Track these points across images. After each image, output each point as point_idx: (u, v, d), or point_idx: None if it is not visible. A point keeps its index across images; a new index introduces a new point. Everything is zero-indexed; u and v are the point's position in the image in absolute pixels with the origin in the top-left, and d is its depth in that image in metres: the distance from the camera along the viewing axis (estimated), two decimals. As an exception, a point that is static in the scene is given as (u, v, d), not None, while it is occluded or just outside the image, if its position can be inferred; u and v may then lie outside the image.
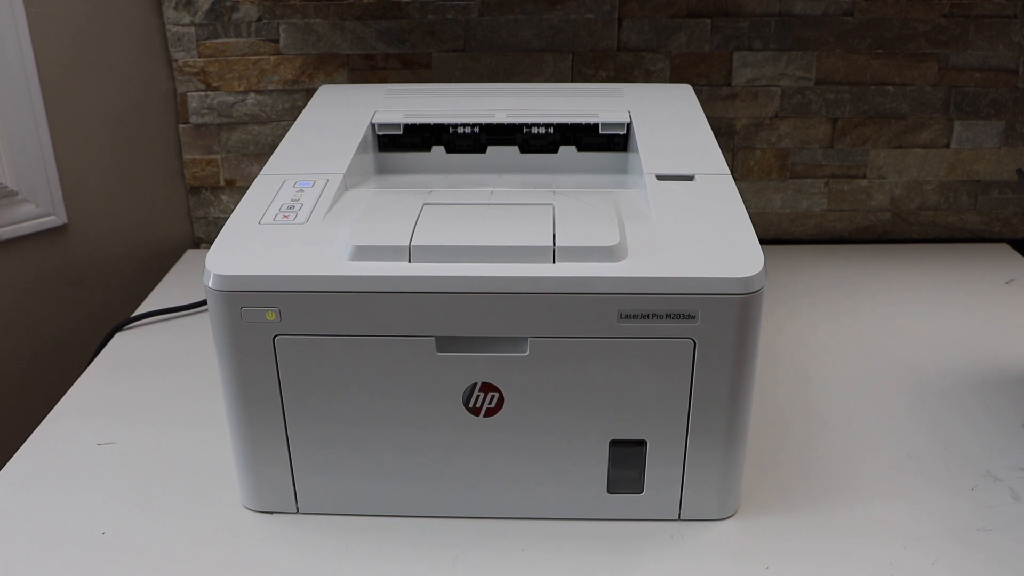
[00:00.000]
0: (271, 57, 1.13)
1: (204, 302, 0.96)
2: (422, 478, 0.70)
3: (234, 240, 0.67)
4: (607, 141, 0.86)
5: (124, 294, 1.16)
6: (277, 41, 1.13)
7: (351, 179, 0.77)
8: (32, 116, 1.04)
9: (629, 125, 0.85)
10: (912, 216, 1.21)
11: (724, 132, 1.16)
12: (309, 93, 1.14)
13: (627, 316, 0.63)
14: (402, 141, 0.86)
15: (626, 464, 0.69)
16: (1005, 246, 1.20)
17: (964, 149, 1.17)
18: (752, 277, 0.63)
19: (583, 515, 0.72)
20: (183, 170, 1.19)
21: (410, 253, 0.64)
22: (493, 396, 0.67)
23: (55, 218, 1.09)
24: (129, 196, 1.16)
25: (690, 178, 0.75)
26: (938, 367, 0.92)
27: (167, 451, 0.81)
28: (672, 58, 1.13)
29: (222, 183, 1.20)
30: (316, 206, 0.71)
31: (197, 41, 1.12)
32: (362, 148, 0.82)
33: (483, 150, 0.86)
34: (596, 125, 0.85)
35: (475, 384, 0.67)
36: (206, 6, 1.11)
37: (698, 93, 0.96)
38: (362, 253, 0.64)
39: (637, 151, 0.80)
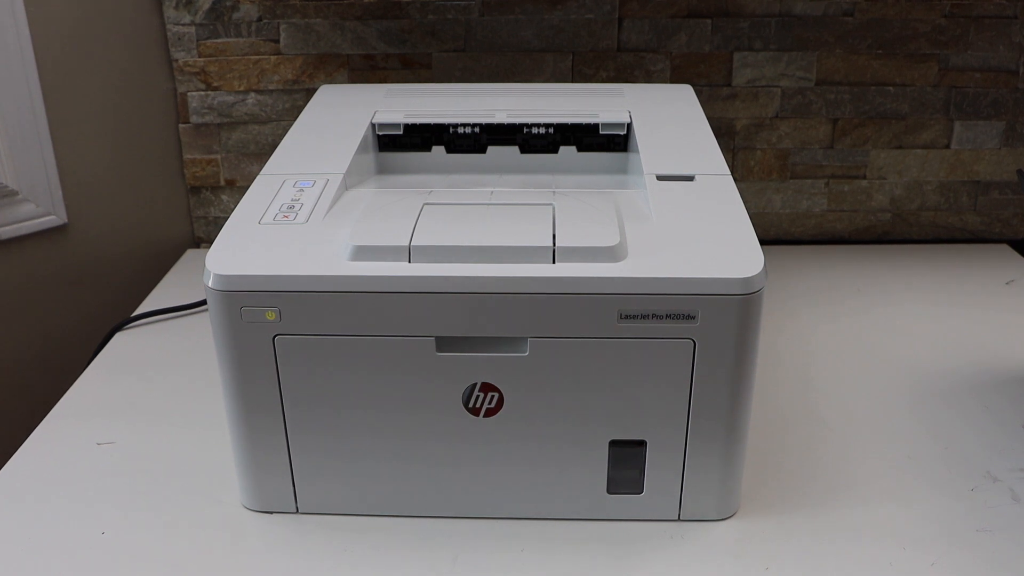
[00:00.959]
0: (271, 57, 1.13)
1: (204, 302, 0.96)
2: (422, 478, 0.70)
3: (234, 240, 0.67)
4: (607, 141, 0.86)
5: (124, 294, 1.16)
6: (277, 41, 1.13)
7: (351, 179, 0.77)
8: (32, 116, 1.04)
9: (629, 125, 0.85)
10: (912, 216, 1.21)
11: (724, 132, 1.16)
12: (309, 93, 1.14)
13: (627, 316, 0.63)
14: (402, 141, 0.86)
15: (626, 464, 0.69)
16: (1005, 247, 1.20)
17: (964, 150, 1.17)
18: (752, 277, 0.63)
19: (583, 515, 0.72)
20: (183, 170, 1.19)
21: (410, 253, 0.64)
22: (493, 396, 0.67)
23: (55, 218, 1.09)
24: (129, 196, 1.16)
25: (690, 178, 0.75)
26: (938, 367, 0.92)
27: (167, 451, 0.81)
28: (672, 58, 1.13)
29: (222, 183, 1.20)
30: (316, 206, 0.71)
31: (197, 41, 1.12)
32: (362, 148, 0.82)
33: (483, 150, 0.86)
34: (596, 125, 0.85)
35: (475, 384, 0.67)
36: (206, 6, 1.11)
37: (698, 93, 0.96)
38: (362, 253, 0.64)
39: (637, 151, 0.80)
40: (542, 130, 0.85)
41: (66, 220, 1.11)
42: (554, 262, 0.64)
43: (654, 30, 1.12)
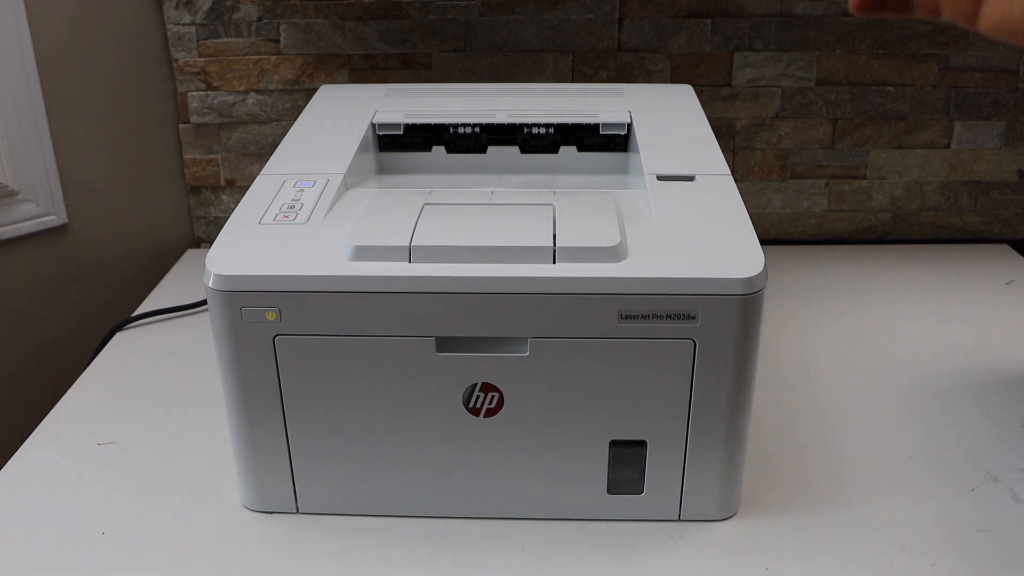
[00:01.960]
0: (271, 57, 1.13)
1: (204, 302, 0.95)
2: (422, 478, 0.70)
3: (234, 240, 0.67)
4: (608, 141, 0.86)
5: (124, 294, 1.16)
6: (277, 41, 1.13)
7: (351, 179, 0.77)
8: (32, 116, 1.04)
9: (630, 125, 0.85)
10: (912, 216, 1.21)
11: (724, 132, 1.16)
12: (309, 93, 1.14)
13: (627, 316, 0.63)
14: (402, 141, 0.86)
15: (626, 464, 0.69)
16: (1005, 247, 1.20)
17: (964, 150, 1.17)
18: (753, 277, 0.63)
19: (583, 515, 0.72)
20: (183, 170, 1.19)
21: (410, 253, 0.64)
22: (493, 396, 0.67)
23: (55, 218, 1.09)
24: (129, 196, 1.16)
25: (690, 178, 0.75)
26: (938, 367, 0.92)
27: (167, 451, 0.81)
28: (672, 58, 1.13)
29: (222, 183, 1.20)
30: (316, 206, 0.71)
31: (197, 41, 1.12)
32: (362, 148, 0.82)
33: (483, 150, 0.86)
34: (597, 125, 0.85)
35: (475, 384, 0.67)
36: (206, 6, 1.11)
37: (698, 93, 0.96)
38: (362, 253, 0.64)
39: (637, 151, 0.80)
40: (542, 130, 0.85)
41: (66, 220, 1.11)
42: (554, 262, 0.64)
43: (654, 30, 1.12)
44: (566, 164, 0.86)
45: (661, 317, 0.63)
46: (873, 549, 0.69)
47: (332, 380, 0.67)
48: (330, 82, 1.14)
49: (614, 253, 0.63)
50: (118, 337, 1.00)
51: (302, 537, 0.70)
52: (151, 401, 0.88)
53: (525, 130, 0.85)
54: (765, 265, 0.64)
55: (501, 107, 0.88)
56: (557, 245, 0.64)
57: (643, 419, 0.67)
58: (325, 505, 0.72)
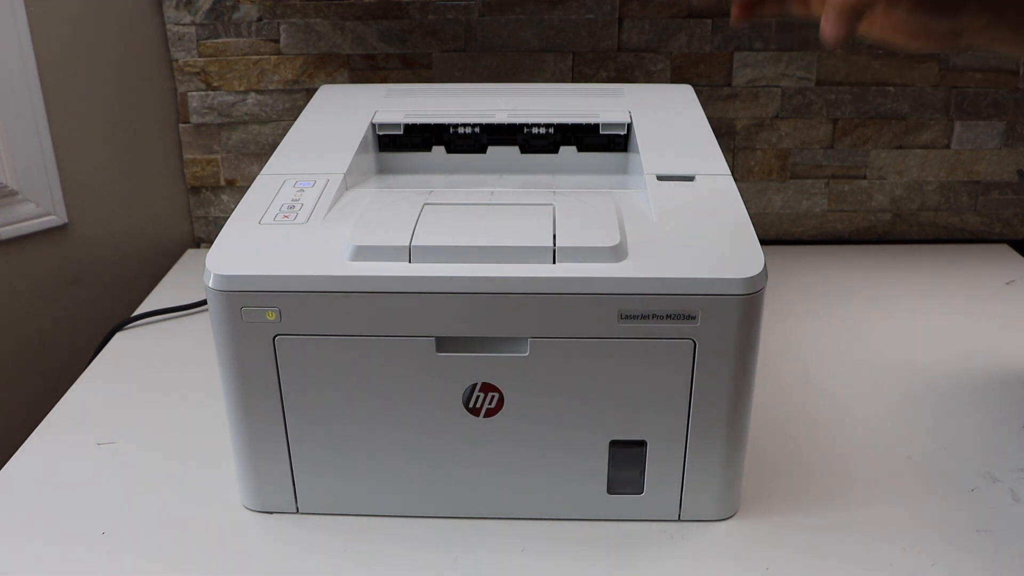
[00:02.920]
0: (271, 57, 1.13)
1: (204, 302, 0.95)
2: (422, 478, 0.70)
3: (234, 240, 0.67)
4: (608, 141, 0.86)
5: (124, 294, 1.16)
6: (277, 41, 1.13)
7: (351, 179, 0.77)
8: (32, 116, 1.04)
9: (630, 125, 0.85)
10: (912, 217, 1.21)
11: (724, 132, 1.16)
12: (309, 93, 1.14)
13: (627, 316, 0.63)
14: (402, 141, 0.86)
15: (626, 464, 0.69)
16: (1005, 247, 1.20)
17: (965, 150, 1.17)
18: (753, 278, 0.63)
19: (583, 515, 0.72)
20: (183, 170, 1.19)
21: (410, 253, 0.64)
22: (493, 396, 0.67)
23: (55, 218, 1.09)
24: (129, 196, 1.16)
25: (690, 178, 0.75)
26: (938, 368, 0.92)
27: (167, 451, 0.81)
28: (673, 58, 1.13)
29: (222, 183, 1.20)
30: (316, 206, 0.71)
31: (197, 41, 1.12)
32: (362, 148, 0.82)
33: (483, 150, 0.86)
34: (597, 125, 0.85)
35: (475, 384, 0.67)
36: (206, 6, 1.11)
37: (698, 93, 0.96)
38: (362, 253, 0.64)
39: (637, 151, 0.80)
40: (542, 130, 0.85)
41: (66, 220, 1.11)
42: (554, 262, 0.64)
43: (654, 30, 1.12)
44: (566, 164, 0.86)
45: (661, 317, 0.63)
46: (873, 549, 0.69)
47: (332, 380, 0.67)
48: (330, 82, 1.14)
49: (614, 253, 0.63)
50: (118, 337, 1.00)
51: (302, 537, 0.70)
52: (151, 401, 0.88)
53: (525, 130, 0.85)
54: (765, 265, 0.64)
55: (501, 107, 0.88)
56: (557, 245, 0.64)
57: (643, 419, 0.67)
58: (325, 505, 0.72)
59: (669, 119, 0.87)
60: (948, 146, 1.17)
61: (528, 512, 0.72)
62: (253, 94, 1.15)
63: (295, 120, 0.89)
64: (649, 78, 1.14)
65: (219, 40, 1.13)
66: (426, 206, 0.69)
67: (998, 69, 1.13)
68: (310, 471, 0.71)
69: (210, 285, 0.64)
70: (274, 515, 0.73)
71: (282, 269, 0.64)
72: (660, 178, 0.75)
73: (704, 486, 0.70)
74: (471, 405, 0.67)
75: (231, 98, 1.15)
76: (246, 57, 1.13)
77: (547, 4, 1.11)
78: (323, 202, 0.72)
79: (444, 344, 0.65)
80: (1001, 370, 0.92)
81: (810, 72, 1.14)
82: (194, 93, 1.15)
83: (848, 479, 0.76)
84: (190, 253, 1.21)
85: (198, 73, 1.14)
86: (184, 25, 1.12)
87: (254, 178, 0.82)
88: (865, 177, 1.19)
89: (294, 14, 1.11)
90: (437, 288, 0.63)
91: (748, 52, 1.13)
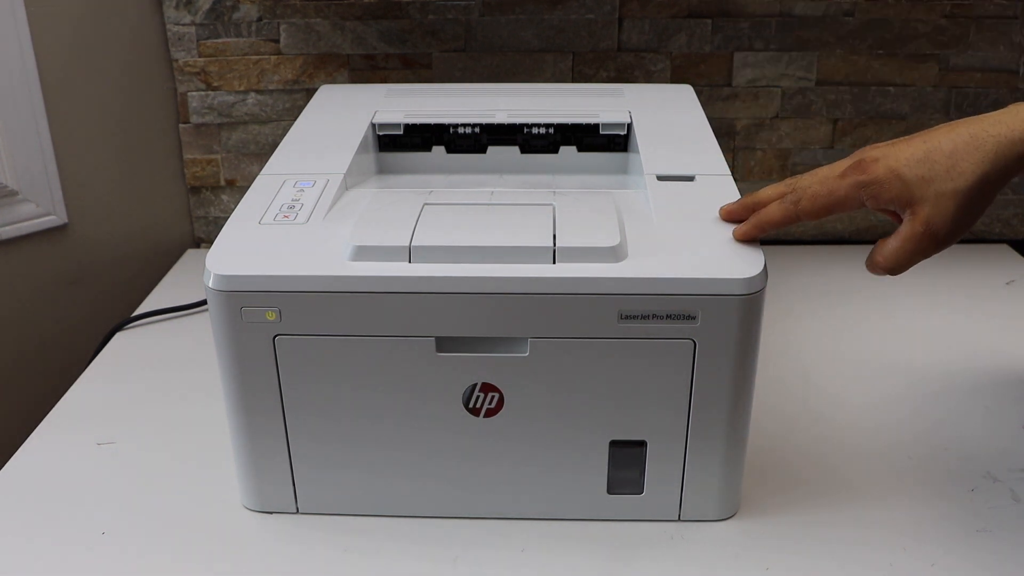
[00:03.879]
0: (271, 57, 1.13)
1: (204, 302, 0.95)
2: (422, 478, 0.70)
3: (234, 240, 0.67)
4: (608, 141, 0.85)
5: (124, 294, 1.16)
6: (277, 41, 1.13)
7: (351, 179, 0.77)
8: (32, 116, 1.04)
9: (630, 125, 0.85)
10: (912, 217, 1.20)
11: (724, 132, 1.16)
12: (309, 93, 1.14)
13: (627, 316, 0.63)
14: (402, 141, 0.86)
15: (626, 465, 0.69)
16: (1005, 247, 1.20)
17: (964, 150, 1.17)
18: (753, 278, 0.63)
19: (583, 515, 0.72)
20: (183, 170, 1.19)
21: (410, 253, 0.64)
22: (493, 396, 0.67)
23: (55, 218, 1.09)
24: (129, 196, 1.16)
25: (690, 178, 0.75)
26: (938, 367, 0.92)
27: (167, 451, 0.81)
28: (673, 58, 1.13)
29: (222, 183, 1.20)
30: (316, 206, 0.71)
31: (197, 41, 1.12)
32: (362, 148, 0.82)
33: (483, 150, 0.86)
34: (597, 125, 0.85)
35: (475, 384, 0.67)
36: (206, 6, 1.11)
37: (698, 93, 0.96)
38: (362, 253, 0.64)
39: (637, 151, 0.80)
40: (542, 130, 0.85)
41: (66, 220, 1.11)
42: (554, 262, 0.64)
43: (654, 30, 1.12)
44: (566, 164, 0.86)
45: (661, 317, 0.63)
46: (873, 549, 0.69)
47: (332, 380, 0.67)
48: (330, 82, 1.14)
49: (614, 253, 0.63)
50: (118, 337, 1.00)
51: (302, 537, 0.70)
52: (151, 401, 0.88)
53: (525, 130, 0.85)
54: (765, 265, 0.64)
55: (501, 107, 0.88)
56: (557, 245, 0.64)
57: (643, 419, 0.67)
58: (325, 505, 0.72)
59: (669, 119, 0.87)
60: (948, 146, 1.17)
61: (528, 512, 0.72)
62: (253, 94, 1.15)
63: (295, 120, 0.89)
64: (649, 78, 1.14)
65: (219, 40, 1.13)
66: (426, 206, 0.69)
67: (998, 69, 1.13)
68: (310, 471, 0.71)
69: (210, 285, 0.64)
70: (274, 515, 0.73)
71: (282, 269, 0.64)
72: (660, 178, 0.75)
73: (704, 486, 0.70)
74: (471, 405, 0.67)
75: (231, 98, 1.15)
76: (246, 57, 1.13)
77: (547, 4, 1.11)
78: (323, 202, 0.72)
79: (444, 344, 0.65)
80: (1001, 370, 0.92)
81: (810, 72, 1.14)
82: (194, 93, 1.15)
83: (848, 479, 0.76)
84: (190, 253, 1.21)
85: (198, 73, 1.14)
86: (184, 25, 1.12)
87: (254, 178, 0.82)
88: (865, 177, 1.18)
89: (294, 14, 1.11)
90: (437, 288, 0.63)
91: (748, 52, 1.13)
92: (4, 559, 0.68)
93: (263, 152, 1.18)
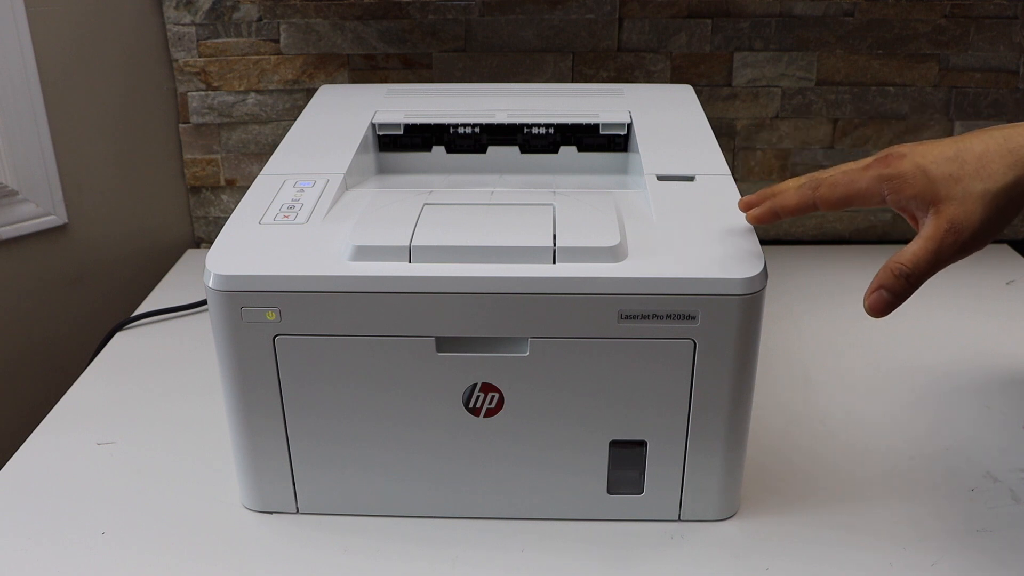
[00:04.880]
0: (272, 57, 1.13)
1: (204, 302, 0.95)
2: (422, 478, 0.70)
3: (234, 240, 0.67)
4: (608, 141, 0.86)
5: (124, 294, 1.16)
6: (278, 41, 1.13)
7: (351, 179, 0.77)
8: (32, 116, 1.04)
9: (630, 125, 0.85)
10: (912, 217, 1.21)
11: (725, 132, 1.16)
12: (309, 93, 1.14)
13: (627, 316, 0.63)
14: (402, 141, 0.86)
15: (626, 465, 0.69)
16: (1005, 247, 1.20)
17: (964, 150, 1.17)
18: (753, 278, 0.63)
19: (583, 515, 0.72)
20: (183, 170, 1.19)
21: (410, 253, 0.64)
22: (493, 396, 0.67)
23: (55, 218, 1.09)
24: (129, 196, 1.16)
25: (690, 178, 0.75)
26: (938, 368, 0.92)
27: (167, 451, 0.81)
28: (673, 58, 1.13)
29: (222, 183, 1.20)
30: (316, 206, 0.71)
31: (197, 41, 1.12)
32: (362, 148, 0.82)
33: (483, 150, 0.86)
34: (597, 125, 0.85)
35: (475, 384, 0.67)
36: (207, 6, 1.11)
37: (698, 93, 0.96)
38: (362, 253, 0.64)
39: (637, 151, 0.80)
40: (542, 130, 0.85)
41: (66, 220, 1.11)
42: (554, 262, 0.64)
43: (654, 30, 1.12)
44: (566, 164, 0.86)
45: (661, 317, 0.63)
46: (873, 549, 0.69)
47: (332, 380, 0.67)
48: (330, 82, 1.14)
49: (614, 253, 0.63)
50: (118, 337, 1.00)
51: (302, 537, 0.70)
52: (151, 401, 0.88)
53: (525, 130, 0.85)
54: (765, 265, 0.64)
55: (501, 107, 0.88)
56: (557, 245, 0.64)
57: (643, 419, 0.67)
58: (325, 505, 0.72)
59: (669, 119, 0.87)
60: (948, 146, 1.17)
61: (528, 512, 0.72)
62: (253, 94, 1.15)
63: (295, 120, 0.89)
64: (649, 78, 1.14)
65: (219, 40, 1.13)
66: (426, 206, 0.69)
67: (998, 69, 1.13)
68: (310, 471, 0.71)
69: (210, 285, 0.64)
70: (274, 515, 0.73)
71: (282, 269, 0.64)
72: (660, 178, 0.75)
73: (704, 486, 0.70)
74: (471, 405, 0.67)
75: (231, 98, 1.15)
76: (246, 57, 1.13)
77: (547, 4, 1.11)
78: (323, 202, 0.72)
79: (444, 344, 0.65)
80: (1001, 370, 0.92)
81: (810, 72, 1.14)
82: (194, 93, 1.15)
83: (848, 479, 0.76)
84: (190, 253, 1.21)
85: (198, 73, 1.14)
86: (184, 25, 1.12)
87: (254, 178, 0.82)
88: (865, 177, 1.18)
89: (294, 14, 1.11)
90: (437, 288, 0.63)
91: (748, 52, 1.13)
92: (4, 559, 0.68)
93: (263, 152, 1.18)
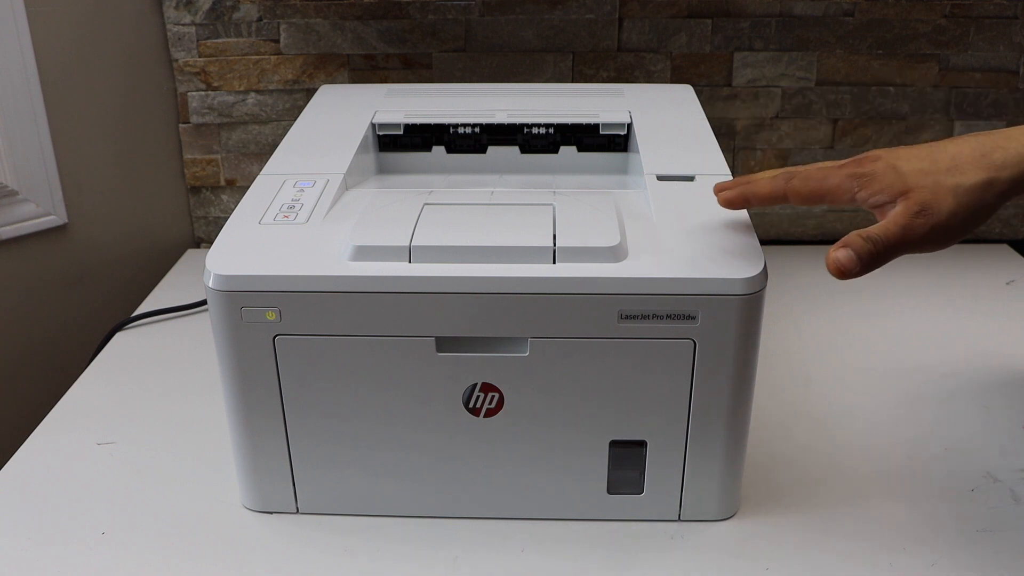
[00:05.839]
0: (272, 57, 1.13)
1: (204, 302, 0.95)
2: (422, 478, 0.70)
3: (234, 240, 0.67)
4: (608, 141, 0.86)
5: (124, 294, 1.16)
6: (278, 41, 1.13)
7: (351, 179, 0.77)
8: (32, 116, 1.04)
9: (630, 125, 0.85)
10: (912, 217, 1.20)
11: (725, 132, 1.16)
12: (310, 93, 1.14)
13: (627, 316, 0.63)
14: (403, 141, 0.86)
15: (626, 465, 0.69)
16: (1005, 247, 1.20)
17: (964, 150, 1.17)
18: (753, 278, 0.63)
19: (583, 515, 0.72)
20: (183, 170, 1.19)
21: (410, 253, 0.64)
22: (493, 396, 0.67)
23: (55, 218, 1.09)
24: (129, 196, 1.16)
25: (690, 178, 0.75)
26: (938, 368, 0.92)
27: (167, 451, 0.81)
28: (673, 58, 1.13)
29: (222, 183, 1.20)
30: (316, 206, 0.71)
31: (197, 41, 1.12)
32: (362, 148, 0.82)
33: (483, 150, 0.86)
34: (597, 125, 0.85)
35: (475, 384, 0.67)
36: (207, 6, 1.11)
37: (698, 93, 0.96)
38: (362, 253, 0.64)
39: (637, 151, 0.80)
40: (542, 130, 0.85)
41: (66, 220, 1.11)
42: (554, 262, 0.64)
43: (654, 30, 1.12)
44: (566, 164, 0.86)
45: (661, 317, 0.63)
46: (873, 549, 0.69)
47: (332, 380, 0.67)
48: (330, 82, 1.14)
49: (614, 253, 0.63)
50: (118, 337, 1.00)
51: (302, 537, 0.70)
52: (151, 401, 0.88)
53: (525, 130, 0.85)
54: (765, 265, 0.64)
55: (501, 107, 0.88)
56: (557, 245, 0.64)
57: (643, 419, 0.67)
58: (325, 505, 0.72)
59: (669, 119, 0.87)
60: (948, 146, 1.17)
61: (528, 512, 0.72)
62: (253, 94, 1.15)
63: (295, 120, 0.89)
64: (649, 78, 1.14)
65: (219, 40, 1.13)
66: (426, 206, 0.69)
67: (998, 69, 1.13)
68: (310, 471, 0.71)
69: (210, 285, 0.64)
70: (274, 515, 0.73)
71: (282, 269, 0.64)
72: (660, 178, 0.75)
73: (704, 486, 0.70)
74: (471, 405, 0.67)
75: (231, 98, 1.15)
76: (246, 57, 1.13)
77: (547, 4, 1.11)
78: (323, 202, 0.72)
79: (444, 344, 0.65)
80: (1001, 370, 0.92)
81: (810, 72, 1.14)
82: (194, 93, 1.15)
83: (848, 479, 0.76)
84: (190, 253, 1.21)
85: (198, 73, 1.14)
86: (184, 25, 1.12)
87: (254, 178, 0.82)
88: (865, 177, 1.18)
89: (294, 14, 1.11)
90: (437, 288, 0.63)
91: (748, 52, 1.13)
92: (4, 559, 0.68)
93: (263, 152, 1.18)
